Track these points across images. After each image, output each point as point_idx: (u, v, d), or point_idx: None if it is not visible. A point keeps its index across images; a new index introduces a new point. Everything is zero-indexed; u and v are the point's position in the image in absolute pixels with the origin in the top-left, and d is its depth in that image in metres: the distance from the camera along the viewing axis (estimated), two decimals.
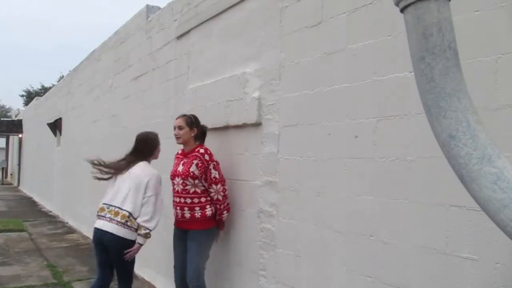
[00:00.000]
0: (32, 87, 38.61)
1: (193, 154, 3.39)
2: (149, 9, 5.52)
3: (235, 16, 3.59)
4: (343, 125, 2.53)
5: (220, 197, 3.35)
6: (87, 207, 7.99)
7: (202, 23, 4.07)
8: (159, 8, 5.38)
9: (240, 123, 3.39)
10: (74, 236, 8.02)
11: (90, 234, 7.71)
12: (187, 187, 3.35)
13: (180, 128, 3.46)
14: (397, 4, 1.23)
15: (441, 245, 2.00)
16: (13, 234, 7.86)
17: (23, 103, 37.07)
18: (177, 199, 3.44)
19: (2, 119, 22.66)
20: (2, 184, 20.75)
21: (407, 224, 2.17)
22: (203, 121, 3.91)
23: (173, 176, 3.50)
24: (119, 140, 6.33)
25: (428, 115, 1.20)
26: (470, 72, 1.78)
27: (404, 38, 1.31)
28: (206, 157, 3.35)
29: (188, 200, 3.36)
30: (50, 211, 11.24)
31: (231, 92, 3.50)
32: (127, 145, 5.98)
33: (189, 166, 3.35)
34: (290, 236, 2.91)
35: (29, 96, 34.57)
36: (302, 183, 2.82)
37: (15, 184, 20.32)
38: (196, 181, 3.33)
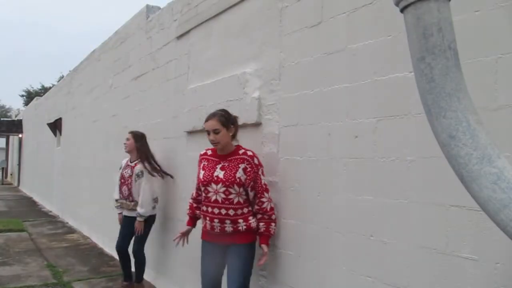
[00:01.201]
0: (32, 87, 38.65)
1: (237, 157, 2.95)
2: (149, 9, 5.52)
3: (235, 16, 3.59)
4: (343, 125, 2.53)
5: (273, 205, 2.96)
6: (87, 207, 7.99)
7: (202, 23, 4.07)
8: (159, 8, 5.38)
9: (240, 123, 3.38)
10: (74, 236, 8.02)
11: (90, 234, 7.73)
12: (231, 196, 2.89)
13: (216, 132, 2.94)
14: (397, 4, 1.23)
15: (441, 245, 2.00)
16: (13, 234, 7.86)
17: (23, 103, 37.08)
18: (215, 210, 2.92)
19: (2, 119, 22.65)
20: (2, 184, 20.74)
21: (407, 224, 2.17)
22: (203, 122, 3.91)
23: (208, 181, 2.96)
24: (119, 140, 6.33)
25: (428, 115, 1.20)
26: (470, 72, 1.78)
27: (404, 38, 1.31)
28: (256, 161, 2.95)
29: (231, 212, 2.89)
30: (50, 211, 11.24)
31: (231, 92, 3.50)
32: None
33: (234, 171, 2.91)
34: (290, 236, 2.91)
35: (29, 96, 34.57)
36: (302, 183, 2.82)
37: (15, 184, 20.32)
38: (241, 189, 2.90)
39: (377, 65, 2.34)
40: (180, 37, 4.51)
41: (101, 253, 6.57)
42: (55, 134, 11.60)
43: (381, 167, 2.30)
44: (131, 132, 4.69)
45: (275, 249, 3.04)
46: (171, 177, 4.58)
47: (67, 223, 9.42)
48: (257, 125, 3.25)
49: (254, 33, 3.34)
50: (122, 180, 4.66)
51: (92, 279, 5.24)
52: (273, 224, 2.95)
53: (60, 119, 10.92)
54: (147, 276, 5.09)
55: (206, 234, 3.07)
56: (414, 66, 1.22)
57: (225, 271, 3.06)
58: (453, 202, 1.95)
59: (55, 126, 11.48)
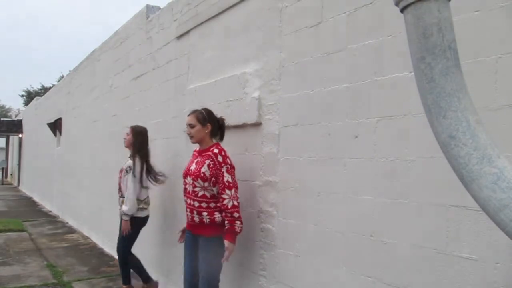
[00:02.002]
0: (32, 87, 38.66)
1: (207, 153, 3.14)
2: (149, 9, 5.52)
3: (235, 16, 3.59)
4: (343, 125, 2.53)
5: (236, 203, 3.03)
6: (87, 207, 7.99)
7: (202, 23, 4.07)
8: (159, 8, 5.38)
9: (240, 123, 3.39)
10: (74, 236, 8.02)
11: (90, 234, 7.73)
12: (196, 189, 3.11)
13: (191, 126, 3.20)
14: (397, 4, 1.23)
15: (441, 245, 2.00)
16: (13, 234, 7.87)
17: (23, 103, 37.09)
18: (188, 201, 3.20)
19: (2, 119, 22.64)
20: (2, 184, 20.74)
21: (407, 224, 2.17)
22: None
23: (185, 174, 3.25)
24: (119, 140, 6.33)
25: (428, 115, 1.20)
26: (470, 72, 1.78)
27: (404, 38, 1.31)
28: (220, 158, 3.08)
29: (196, 204, 3.12)
30: (50, 211, 11.25)
31: (231, 92, 3.50)
32: None
33: (201, 166, 3.11)
34: (290, 236, 2.91)
35: (29, 96, 34.57)
36: (302, 183, 2.82)
37: (15, 184, 20.32)
38: (206, 183, 3.08)
39: (377, 65, 2.34)
40: (180, 37, 4.51)
41: (101, 253, 6.58)
42: (55, 134, 11.60)
43: (381, 167, 2.30)
44: (132, 127, 4.57)
45: (275, 249, 3.04)
46: (163, 179, 4.50)
47: (67, 223, 9.42)
48: (257, 125, 3.25)
49: (254, 33, 3.34)
50: (119, 175, 4.60)
51: (92, 279, 5.24)
52: (238, 222, 3.02)
53: (60, 119, 10.93)
54: None
55: (187, 224, 3.33)
56: (414, 66, 1.22)
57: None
58: (453, 202, 1.95)
59: (55, 126, 11.48)
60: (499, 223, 1.08)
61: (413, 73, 1.26)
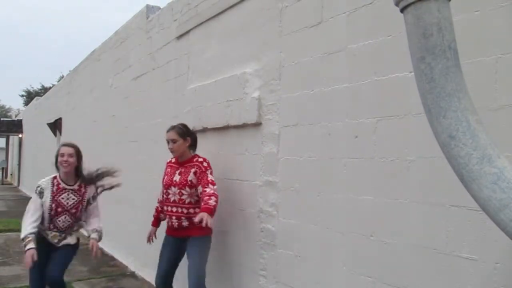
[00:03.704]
0: (32, 87, 38.63)
1: (191, 164, 3.40)
2: (149, 9, 5.52)
3: (235, 16, 3.59)
4: (343, 125, 2.53)
5: (216, 194, 3.15)
6: None
7: (202, 23, 4.07)
8: (159, 8, 5.37)
9: (240, 123, 3.39)
10: None
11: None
12: (183, 197, 3.36)
13: (173, 141, 3.42)
14: (397, 4, 1.23)
15: (441, 245, 2.00)
16: (13, 234, 7.85)
17: (23, 103, 37.09)
18: (174, 209, 3.41)
19: (2, 119, 22.65)
20: (2, 184, 20.74)
21: (407, 224, 2.17)
22: (203, 122, 3.92)
23: (168, 185, 3.46)
24: (119, 140, 6.34)
25: (428, 115, 1.20)
26: (470, 72, 1.78)
27: (404, 38, 1.31)
28: (205, 164, 3.37)
29: (185, 210, 3.37)
30: None
31: (231, 92, 3.50)
32: (127, 145, 6.00)
33: (186, 175, 3.36)
34: (290, 236, 2.91)
35: (29, 96, 34.56)
36: (302, 183, 2.82)
37: (15, 184, 20.31)
38: (193, 190, 3.34)
39: (377, 65, 2.34)
40: (180, 37, 4.51)
41: (101, 253, 6.57)
42: (55, 134, 11.60)
43: (381, 167, 2.30)
44: (73, 146, 3.69)
45: (275, 249, 3.04)
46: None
47: None
48: (257, 125, 3.24)
49: (254, 33, 3.34)
50: None
51: (92, 279, 5.24)
52: (213, 197, 3.11)
53: (60, 119, 10.92)
54: (147, 276, 5.10)
55: (168, 229, 3.54)
56: (414, 66, 1.22)
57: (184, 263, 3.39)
58: (453, 202, 1.95)
59: (55, 126, 11.48)
60: (499, 223, 1.08)
61: (413, 73, 1.26)
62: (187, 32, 4.34)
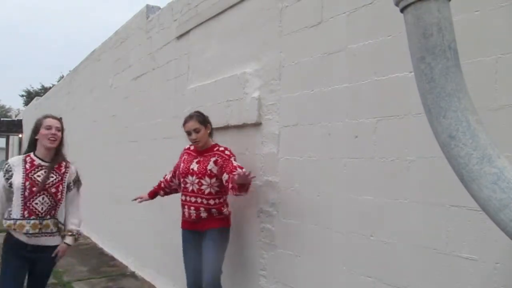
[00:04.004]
0: (32, 87, 38.61)
1: (211, 153, 3.21)
2: (149, 9, 5.52)
3: (235, 16, 3.59)
4: (343, 125, 2.53)
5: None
6: (87, 207, 7.98)
7: (202, 23, 4.07)
8: (159, 8, 5.38)
9: (240, 123, 3.39)
10: None
11: (90, 234, 7.72)
12: (202, 187, 3.16)
13: (196, 131, 3.20)
14: (397, 4, 1.23)
15: (441, 245, 2.00)
16: None
17: (23, 103, 37.08)
18: (192, 199, 3.20)
19: (2, 119, 22.66)
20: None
21: (407, 224, 2.17)
22: None
23: (185, 173, 3.25)
24: (119, 140, 6.34)
25: (428, 115, 1.20)
26: (470, 72, 1.78)
27: (404, 38, 1.31)
28: (227, 152, 3.18)
29: (204, 201, 3.16)
30: None
31: (231, 92, 3.50)
32: (127, 145, 6.00)
33: (206, 164, 3.16)
34: (290, 236, 2.91)
35: (29, 96, 34.55)
36: (302, 183, 2.82)
37: None
38: (213, 180, 3.14)
39: (377, 65, 2.34)
40: (180, 37, 4.51)
41: (101, 253, 6.58)
42: None
43: (381, 167, 2.30)
44: (58, 118, 3.31)
45: (275, 249, 3.04)
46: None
47: None
48: (257, 125, 3.25)
49: (254, 33, 3.34)
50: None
51: (92, 279, 5.24)
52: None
53: (60, 119, 10.92)
54: (147, 275, 5.10)
55: (184, 223, 3.33)
56: (414, 66, 1.22)
57: None
58: (453, 202, 1.95)
59: None
60: (499, 223, 1.08)
61: (413, 73, 1.26)
62: (187, 32, 4.34)
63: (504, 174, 1.07)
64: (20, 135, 19.49)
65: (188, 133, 3.24)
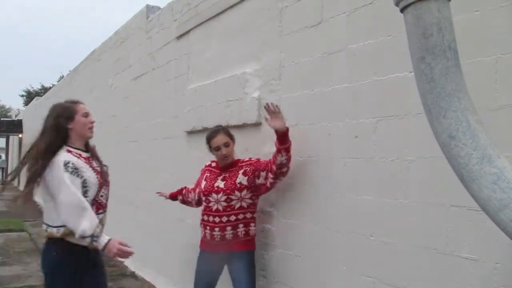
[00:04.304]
0: (32, 87, 38.58)
1: (236, 167, 3.01)
2: (149, 9, 5.52)
3: (235, 16, 3.59)
4: (343, 125, 2.53)
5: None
6: None
7: (202, 23, 4.07)
8: (159, 8, 5.38)
9: (240, 123, 3.39)
10: None
11: None
12: (232, 203, 2.92)
13: (226, 145, 2.98)
14: (397, 4, 1.23)
15: (441, 245, 2.00)
16: (13, 234, 7.87)
17: (23, 103, 37.07)
18: (216, 219, 2.94)
19: (2, 119, 22.67)
20: (2, 184, 20.73)
21: (407, 224, 2.17)
22: (203, 122, 3.92)
23: (208, 192, 3.01)
24: (119, 140, 6.34)
25: (428, 115, 1.20)
26: (470, 72, 1.78)
27: (404, 38, 1.31)
28: (253, 158, 3.05)
29: (233, 218, 2.92)
30: None
31: (231, 92, 3.50)
32: (127, 145, 6.00)
33: (234, 179, 2.95)
34: (290, 236, 2.91)
35: (29, 96, 34.53)
36: (302, 183, 2.82)
37: (15, 184, 20.29)
38: (243, 192, 2.92)
39: (377, 65, 2.34)
40: (180, 37, 4.51)
41: None
42: None
43: (381, 167, 2.30)
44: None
45: (275, 249, 3.04)
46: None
47: None
48: (257, 125, 3.25)
49: (254, 33, 3.34)
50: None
51: None
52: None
53: None
54: (148, 275, 5.10)
55: (204, 244, 3.08)
56: (414, 66, 1.22)
57: (222, 279, 3.08)
58: (453, 202, 1.95)
59: None
60: (499, 223, 1.08)
61: (413, 73, 1.26)
62: (187, 32, 4.35)
63: (504, 174, 1.07)
64: (20, 135, 19.47)
65: (217, 149, 3.00)
